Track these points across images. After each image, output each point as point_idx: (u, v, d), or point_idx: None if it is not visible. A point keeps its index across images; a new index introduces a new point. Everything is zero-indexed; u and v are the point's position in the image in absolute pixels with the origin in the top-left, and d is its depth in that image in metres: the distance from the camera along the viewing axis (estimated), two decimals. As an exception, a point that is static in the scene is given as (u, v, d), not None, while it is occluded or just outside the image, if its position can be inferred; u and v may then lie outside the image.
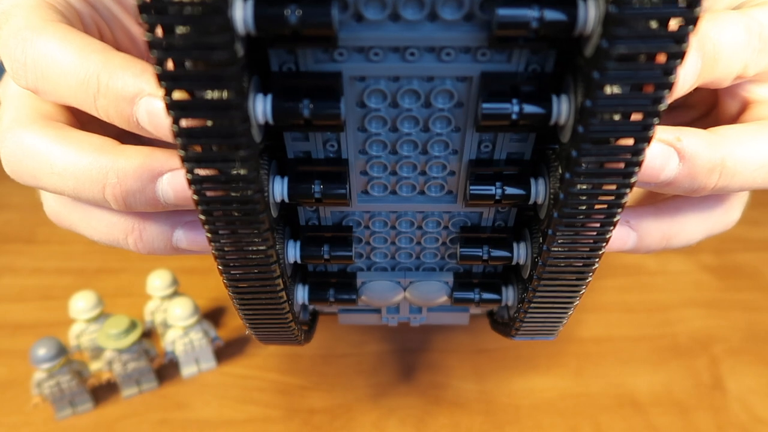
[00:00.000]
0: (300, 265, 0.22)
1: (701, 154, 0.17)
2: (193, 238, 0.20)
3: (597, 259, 0.17)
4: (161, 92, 0.13)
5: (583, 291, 0.19)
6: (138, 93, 0.16)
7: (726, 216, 0.21)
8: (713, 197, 0.21)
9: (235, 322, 0.37)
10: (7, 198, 0.48)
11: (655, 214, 0.21)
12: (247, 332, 0.22)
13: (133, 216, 0.19)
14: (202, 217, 0.15)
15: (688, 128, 0.17)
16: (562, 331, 0.36)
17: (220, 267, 0.17)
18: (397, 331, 0.37)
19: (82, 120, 0.19)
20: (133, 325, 0.31)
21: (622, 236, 0.20)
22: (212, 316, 0.37)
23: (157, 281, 0.34)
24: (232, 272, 0.17)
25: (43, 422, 0.31)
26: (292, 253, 0.20)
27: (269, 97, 0.14)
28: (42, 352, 0.29)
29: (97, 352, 0.33)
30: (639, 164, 0.14)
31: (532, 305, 0.20)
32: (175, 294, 0.34)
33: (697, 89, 0.18)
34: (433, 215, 0.20)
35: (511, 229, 0.20)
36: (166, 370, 0.34)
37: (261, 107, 0.14)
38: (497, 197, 0.18)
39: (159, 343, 0.35)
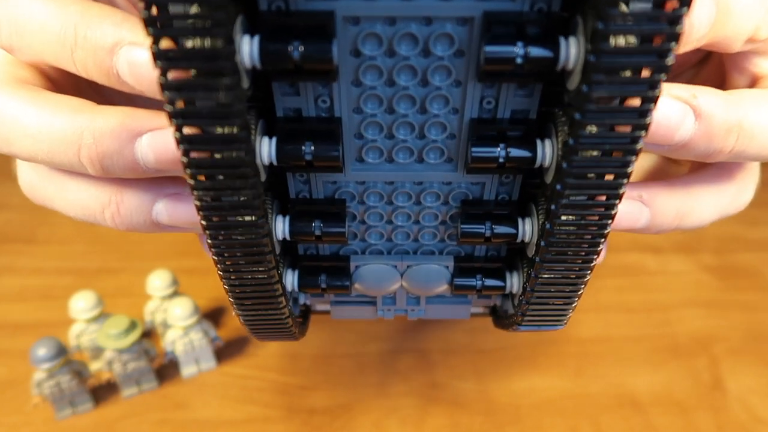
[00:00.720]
0: (290, 248, 0.21)
1: (718, 112, 0.16)
2: (175, 212, 0.19)
3: (606, 229, 0.16)
4: (145, 41, 0.12)
5: (590, 271, 0.18)
6: (118, 42, 0.15)
7: (739, 195, 0.21)
8: (726, 174, 0.20)
9: (235, 322, 0.37)
10: (7, 198, 0.48)
11: (668, 189, 0.20)
12: (233, 313, 0.20)
13: (110, 187, 0.18)
14: (191, 181, 0.15)
15: (704, 87, 0.17)
16: (562, 331, 0.37)
17: (208, 241, 0.17)
18: (397, 331, 0.37)
19: (60, 87, 0.19)
20: (133, 325, 0.31)
21: (634, 213, 0.19)
22: (212, 316, 0.37)
23: (157, 281, 0.34)
24: (220, 246, 0.17)
25: (43, 422, 0.31)
26: (281, 228, 0.18)
27: (256, 39, 0.13)
28: (42, 352, 0.29)
29: (97, 352, 0.33)
30: (650, 111, 0.13)
31: (538, 287, 0.18)
32: (175, 294, 0.35)
33: (703, 67, 0.18)
34: (431, 187, 0.19)
35: (516, 203, 0.19)
36: (166, 370, 0.34)
37: (248, 49, 0.13)
38: (501, 159, 0.16)
39: (159, 343, 0.35)
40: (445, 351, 0.36)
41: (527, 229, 0.18)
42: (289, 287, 0.21)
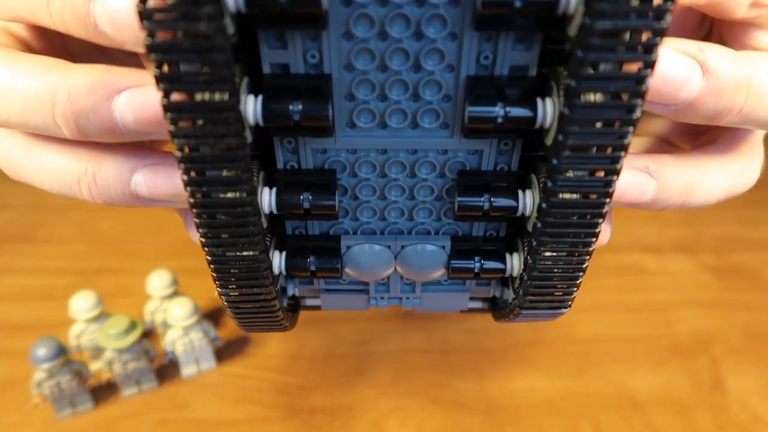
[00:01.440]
0: (278, 227, 0.20)
1: (727, 68, 0.16)
2: (155, 183, 0.17)
3: (611, 188, 0.15)
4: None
5: (595, 238, 0.17)
6: None
7: (745, 171, 0.20)
8: (732, 149, 0.20)
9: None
10: (7, 198, 0.48)
11: (676, 161, 0.19)
12: (217, 295, 0.19)
13: (87, 155, 0.17)
14: (176, 141, 0.14)
15: (711, 43, 0.16)
16: (562, 331, 0.37)
17: (194, 210, 0.16)
18: (396, 331, 0.37)
19: (36, 53, 0.18)
20: (133, 325, 0.31)
21: (640, 184, 0.18)
22: (212, 316, 0.37)
23: (157, 281, 0.34)
24: (206, 219, 0.16)
25: (43, 422, 0.31)
26: (268, 200, 0.17)
27: None
28: (42, 352, 0.29)
29: (97, 352, 0.33)
30: (656, 44, 0.13)
31: (540, 261, 0.17)
32: (175, 294, 0.35)
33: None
34: (427, 156, 0.18)
35: (515, 174, 0.18)
36: (166, 370, 0.34)
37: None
38: (499, 120, 0.15)
39: (159, 343, 0.35)
40: (445, 351, 0.36)
41: (528, 201, 0.18)
42: (276, 269, 0.19)
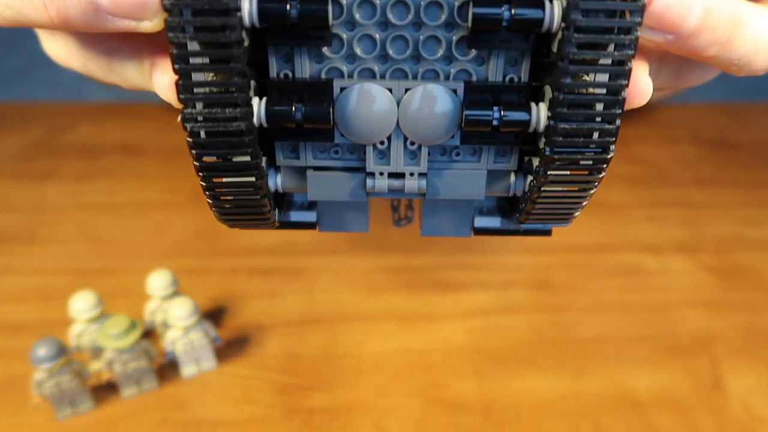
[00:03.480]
0: (259, 72, 0.18)
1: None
2: None
3: (628, 62, 0.15)
4: None
5: (621, 108, 0.16)
6: None
7: None
8: None
9: (235, 322, 0.37)
10: (7, 198, 0.48)
11: None
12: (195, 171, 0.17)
13: None
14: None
15: None
16: (562, 331, 0.37)
17: (174, 52, 0.15)
18: (396, 331, 0.37)
19: None
20: (133, 325, 0.31)
21: (687, 3, 0.17)
22: (212, 316, 0.37)
23: (157, 281, 0.34)
24: (183, 53, 0.15)
25: (43, 422, 0.31)
26: (247, 7, 0.15)
27: None
28: (42, 352, 0.29)
29: (97, 352, 0.33)
30: None
31: (556, 151, 0.16)
32: (175, 294, 0.34)
33: None
34: None
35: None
36: (166, 370, 0.34)
37: None
38: None
39: (159, 343, 0.35)
40: (445, 351, 0.36)
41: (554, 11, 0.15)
42: (256, 119, 0.17)
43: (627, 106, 0.17)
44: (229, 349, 0.35)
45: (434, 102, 0.17)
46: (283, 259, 0.42)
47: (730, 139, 0.58)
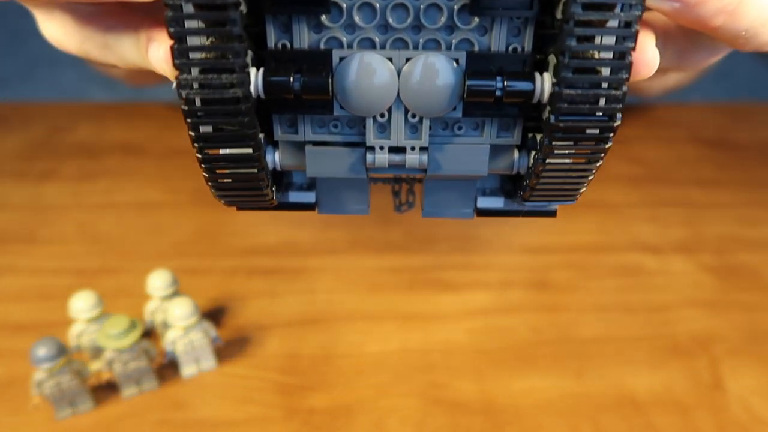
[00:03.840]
0: (257, 42, 0.17)
1: None
2: None
3: (636, 21, 0.15)
4: None
5: (627, 74, 0.16)
6: None
7: None
8: None
9: (235, 322, 0.37)
10: (7, 198, 0.48)
11: None
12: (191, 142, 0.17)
13: None
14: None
15: None
16: (562, 331, 0.37)
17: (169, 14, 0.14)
18: (396, 331, 0.37)
19: None
20: (133, 325, 0.31)
21: None
22: (212, 316, 0.37)
23: (157, 281, 0.34)
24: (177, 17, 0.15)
25: (43, 422, 0.31)
26: None
27: None
28: (42, 352, 0.29)
29: (97, 352, 0.33)
30: None
31: (560, 124, 0.16)
32: (175, 294, 0.35)
33: None
34: None
35: None
36: (166, 370, 0.34)
37: None
38: None
39: (159, 343, 0.35)
40: (445, 351, 0.36)
41: None
42: (253, 89, 0.17)
43: (633, 77, 0.16)
44: (229, 349, 0.35)
45: (436, 72, 0.17)
46: (283, 259, 0.42)
47: (730, 139, 0.58)
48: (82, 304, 0.33)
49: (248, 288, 0.40)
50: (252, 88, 0.16)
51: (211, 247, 0.43)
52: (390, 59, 0.17)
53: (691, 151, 0.56)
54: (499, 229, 0.45)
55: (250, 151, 0.17)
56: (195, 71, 0.16)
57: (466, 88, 0.17)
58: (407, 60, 0.17)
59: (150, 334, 0.36)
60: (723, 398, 0.33)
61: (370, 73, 0.17)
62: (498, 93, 0.17)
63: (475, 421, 0.32)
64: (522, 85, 0.16)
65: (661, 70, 0.23)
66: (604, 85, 0.16)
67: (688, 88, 0.58)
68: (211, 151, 0.17)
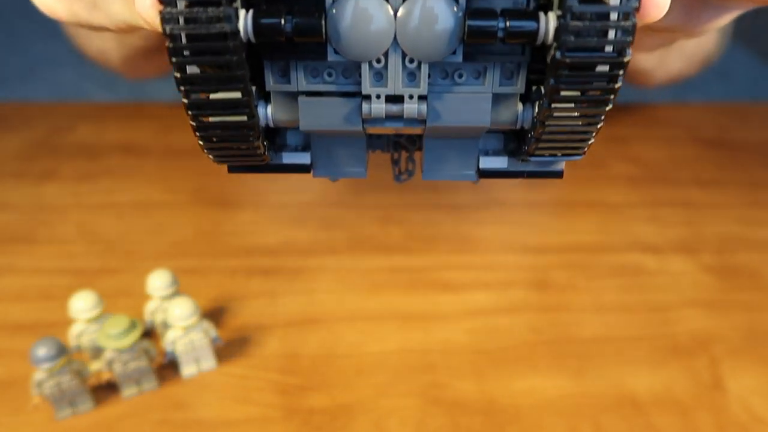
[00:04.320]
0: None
1: None
2: None
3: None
4: None
5: (635, 22, 0.15)
6: None
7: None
8: None
9: (235, 322, 0.37)
10: (7, 198, 0.48)
11: None
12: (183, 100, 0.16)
13: None
14: None
15: None
16: (562, 331, 0.37)
17: None
18: (396, 331, 0.37)
19: None
20: (133, 325, 0.31)
21: None
22: (212, 316, 0.37)
23: (157, 281, 0.34)
24: None
25: (43, 422, 0.31)
26: None
27: None
28: (42, 352, 0.29)
29: (97, 352, 0.33)
30: None
31: (562, 78, 0.15)
32: (175, 294, 0.34)
33: None
34: None
35: None
36: (166, 370, 0.34)
37: None
38: None
39: (159, 343, 0.35)
40: (445, 351, 0.36)
41: None
42: (242, 31, 0.15)
43: (641, 20, 0.15)
44: (229, 349, 0.35)
45: (434, 11, 0.16)
46: (283, 259, 0.42)
47: (730, 139, 0.58)
48: (82, 304, 0.33)
49: (248, 288, 0.40)
50: (241, 28, 0.15)
51: (211, 247, 0.43)
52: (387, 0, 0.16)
53: (690, 150, 0.56)
54: (499, 229, 0.45)
55: (239, 95, 0.16)
56: (181, 4, 0.15)
57: (466, 28, 0.16)
58: (403, 1, 0.16)
59: (150, 334, 0.36)
60: (723, 398, 0.33)
61: (364, 13, 0.16)
62: (500, 34, 0.15)
63: (475, 421, 0.32)
64: (525, 25, 0.15)
65: (669, 30, 0.22)
66: (613, 16, 0.15)
67: (687, 87, 0.58)
68: (198, 95, 0.16)
